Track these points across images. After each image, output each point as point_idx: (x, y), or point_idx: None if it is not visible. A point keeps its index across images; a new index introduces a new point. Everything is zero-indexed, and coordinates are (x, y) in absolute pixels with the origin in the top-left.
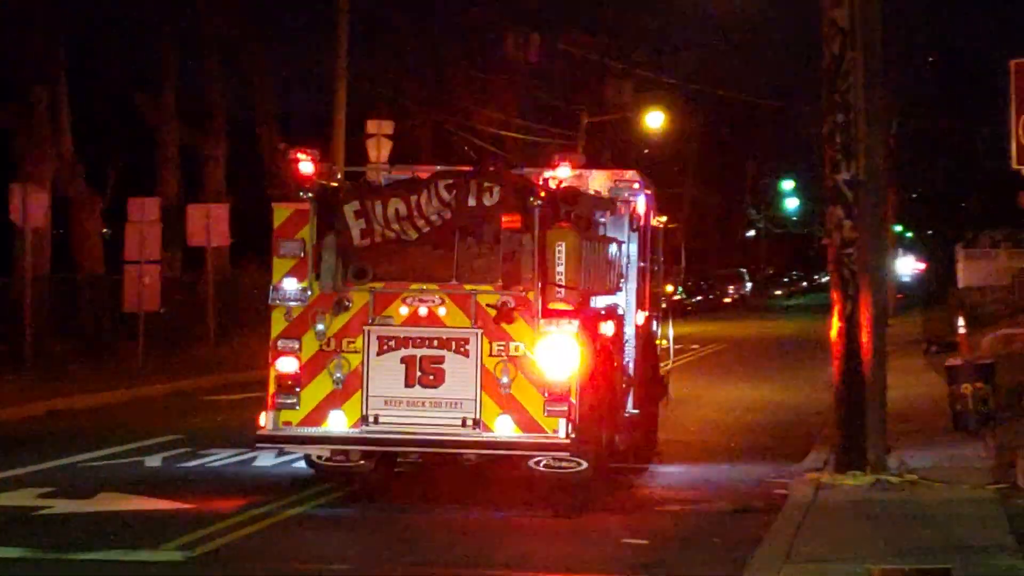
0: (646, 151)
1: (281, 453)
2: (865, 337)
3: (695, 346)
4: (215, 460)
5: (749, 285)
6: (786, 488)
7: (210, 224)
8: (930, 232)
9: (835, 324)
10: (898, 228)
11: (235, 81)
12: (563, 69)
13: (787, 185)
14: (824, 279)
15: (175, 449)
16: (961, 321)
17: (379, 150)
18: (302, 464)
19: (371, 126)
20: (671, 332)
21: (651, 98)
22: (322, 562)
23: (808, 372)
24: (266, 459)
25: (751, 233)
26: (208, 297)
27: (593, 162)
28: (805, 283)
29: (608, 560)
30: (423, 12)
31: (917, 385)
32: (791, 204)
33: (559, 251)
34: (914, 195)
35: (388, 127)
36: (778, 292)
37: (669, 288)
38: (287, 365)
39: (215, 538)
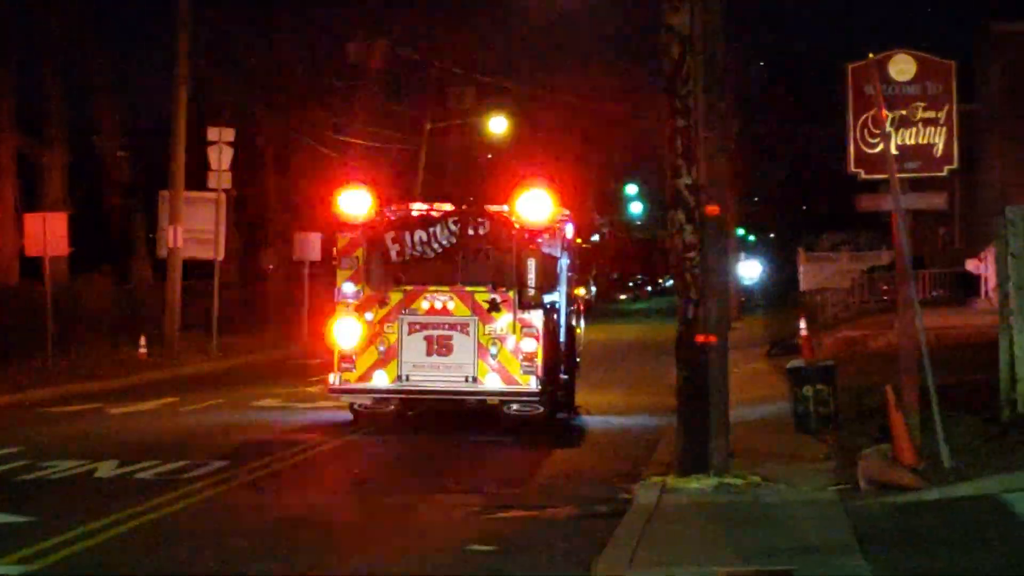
0: (489, 156)
1: (122, 465)
2: (708, 340)
3: None
4: (55, 472)
5: (594, 289)
6: (630, 492)
7: (47, 233)
8: (771, 235)
9: (678, 328)
10: (740, 232)
11: (75, 88)
12: (407, 75)
13: (631, 190)
14: (669, 283)
15: (13, 462)
16: (803, 323)
17: (220, 157)
18: (145, 475)
19: (212, 133)
20: (583, 322)
21: (496, 103)
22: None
23: (653, 376)
24: (107, 470)
25: (595, 238)
26: (46, 308)
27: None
28: (650, 287)
29: (456, 566)
30: (265, 17)
31: (760, 387)
32: (635, 208)
33: (530, 265)
34: (755, 199)
35: (229, 134)
36: (623, 296)
37: (581, 291)
38: (346, 343)
39: (57, 551)
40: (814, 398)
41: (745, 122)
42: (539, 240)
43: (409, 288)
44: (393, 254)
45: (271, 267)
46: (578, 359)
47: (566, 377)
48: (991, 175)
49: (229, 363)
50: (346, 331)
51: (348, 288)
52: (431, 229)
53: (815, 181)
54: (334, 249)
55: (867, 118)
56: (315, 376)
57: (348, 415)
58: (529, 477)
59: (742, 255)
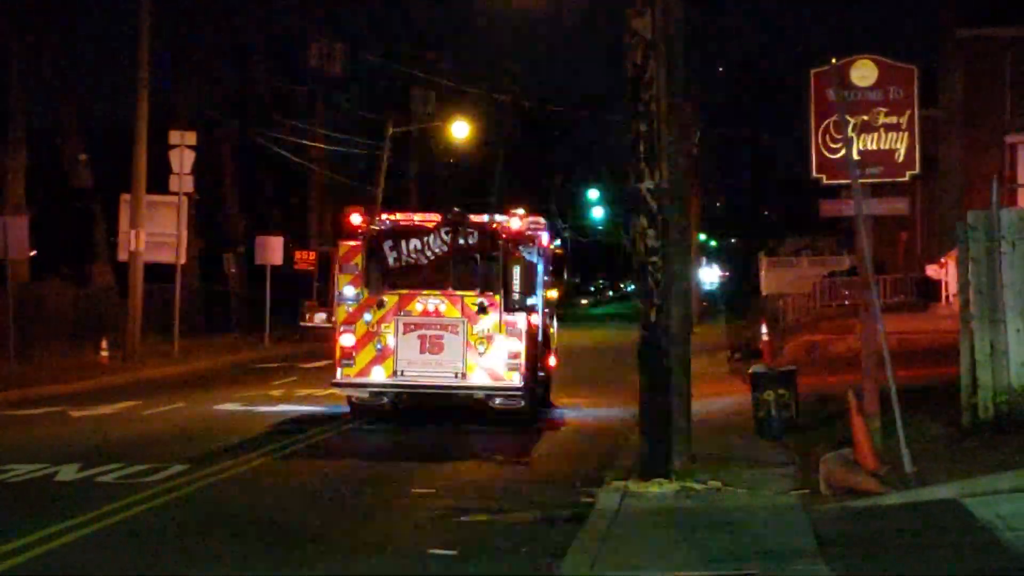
0: (451, 160)
1: (83, 468)
2: (669, 345)
3: None
4: (16, 476)
5: (554, 294)
6: (592, 496)
7: (8, 236)
8: (733, 240)
9: (640, 332)
10: (702, 237)
11: (36, 92)
12: (369, 80)
13: (593, 194)
14: (631, 287)
15: None
16: (764, 328)
17: (182, 160)
18: (106, 478)
19: (174, 136)
20: (556, 323)
21: (457, 108)
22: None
23: (616, 380)
24: (68, 473)
25: (557, 242)
26: (7, 311)
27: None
28: (612, 292)
29: (417, 570)
30: (227, 21)
31: (721, 392)
32: (597, 213)
33: (514, 271)
34: (717, 204)
35: (191, 138)
36: (585, 301)
37: (553, 294)
38: (347, 340)
39: (18, 554)
40: (775, 403)
41: (707, 127)
42: (520, 248)
43: (404, 292)
44: (390, 261)
45: (233, 271)
46: (553, 358)
47: (543, 374)
48: (952, 180)
49: (191, 366)
50: (346, 331)
51: (348, 292)
52: (425, 238)
53: (777, 186)
54: (336, 256)
55: (829, 123)
56: (276, 380)
57: (310, 418)
58: (496, 476)
59: (704, 260)
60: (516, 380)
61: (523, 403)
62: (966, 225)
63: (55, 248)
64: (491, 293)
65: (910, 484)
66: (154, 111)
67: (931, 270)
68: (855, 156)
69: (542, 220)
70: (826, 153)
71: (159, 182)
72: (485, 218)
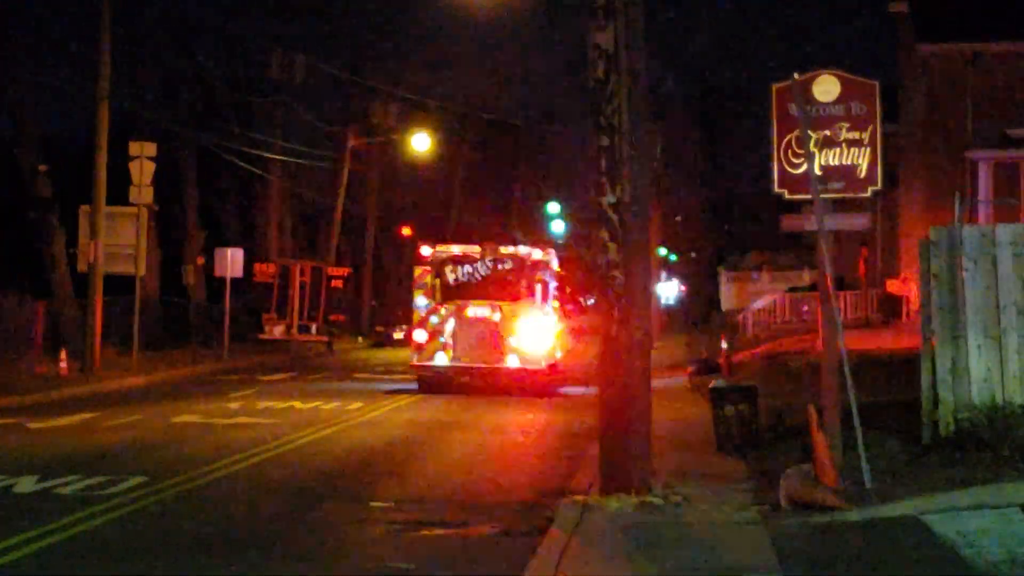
0: (412, 171)
1: (41, 480)
2: (630, 359)
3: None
4: None
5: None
6: (552, 511)
7: None
8: (693, 254)
9: (601, 347)
10: (663, 251)
11: None
12: (329, 91)
13: (553, 208)
14: (590, 302)
15: None
16: (724, 343)
17: (142, 171)
18: (64, 490)
19: (134, 148)
20: (560, 324)
21: (419, 121)
22: None
23: (576, 394)
24: (26, 485)
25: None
26: None
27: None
28: (571, 305)
29: None
30: (187, 32)
31: (682, 407)
32: (557, 227)
33: (536, 287)
34: (678, 217)
35: (151, 149)
36: None
37: (556, 304)
38: (420, 336)
39: None
40: (736, 418)
41: (668, 141)
42: (539, 271)
43: (459, 302)
44: (450, 280)
45: (192, 282)
46: (559, 350)
47: (555, 360)
48: (914, 196)
49: (150, 378)
50: (419, 329)
51: (421, 301)
52: (474, 264)
53: (737, 201)
54: (414, 276)
55: (791, 138)
56: (235, 392)
57: (273, 430)
58: (456, 489)
59: (664, 274)
60: (539, 363)
61: (543, 380)
62: (928, 241)
63: (13, 259)
64: (521, 302)
65: (870, 500)
66: (114, 122)
67: (892, 286)
68: (817, 171)
69: (552, 251)
70: (788, 168)
71: (119, 193)
72: (514, 249)
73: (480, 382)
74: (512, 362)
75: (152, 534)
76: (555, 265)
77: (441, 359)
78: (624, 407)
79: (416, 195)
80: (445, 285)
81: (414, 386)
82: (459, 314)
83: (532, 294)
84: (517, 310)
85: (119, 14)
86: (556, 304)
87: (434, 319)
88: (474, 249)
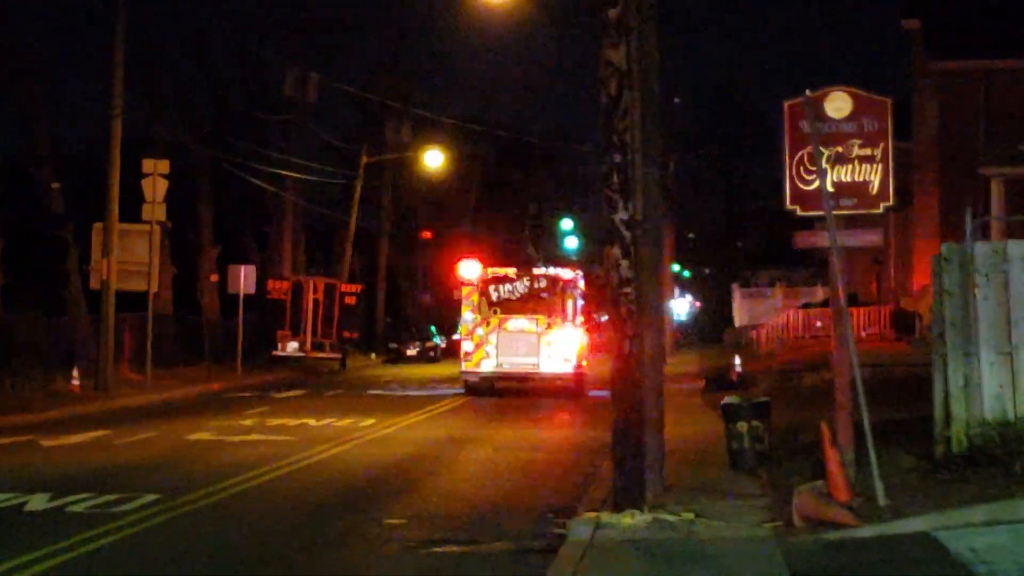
0: (425, 188)
1: (54, 498)
2: (643, 376)
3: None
4: None
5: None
6: (565, 527)
7: None
8: (707, 271)
9: (613, 363)
10: (675, 267)
11: (7, 118)
12: (344, 108)
13: (566, 224)
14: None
15: None
16: (737, 360)
17: (155, 189)
18: (77, 508)
19: (147, 165)
20: (586, 337)
21: (432, 138)
22: None
23: (589, 411)
24: (38, 503)
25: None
26: None
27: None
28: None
29: None
30: (201, 49)
31: (694, 423)
32: (571, 243)
33: (568, 303)
34: (691, 234)
35: (164, 166)
36: None
37: (582, 318)
38: (468, 346)
39: None
40: (748, 434)
41: (681, 158)
42: (570, 289)
43: (502, 316)
44: (493, 297)
45: (205, 300)
46: (585, 359)
47: (583, 367)
48: (926, 212)
49: (163, 396)
50: (467, 340)
51: (468, 316)
52: (513, 283)
53: (750, 217)
54: (460, 294)
55: (803, 155)
56: (249, 409)
57: (286, 447)
58: (468, 506)
59: (677, 291)
60: (569, 369)
61: (573, 385)
62: (940, 258)
63: (26, 276)
64: (554, 316)
65: (883, 517)
66: (128, 139)
67: (905, 302)
68: (829, 188)
69: (580, 272)
70: (800, 184)
71: (132, 210)
72: (547, 270)
73: (519, 385)
74: (547, 368)
75: (165, 552)
76: (582, 284)
77: (486, 366)
78: (637, 423)
79: (430, 211)
80: (489, 302)
81: (427, 400)
82: (501, 327)
83: (564, 309)
84: (551, 323)
85: (133, 32)
86: (583, 318)
87: (480, 331)
88: (512, 271)
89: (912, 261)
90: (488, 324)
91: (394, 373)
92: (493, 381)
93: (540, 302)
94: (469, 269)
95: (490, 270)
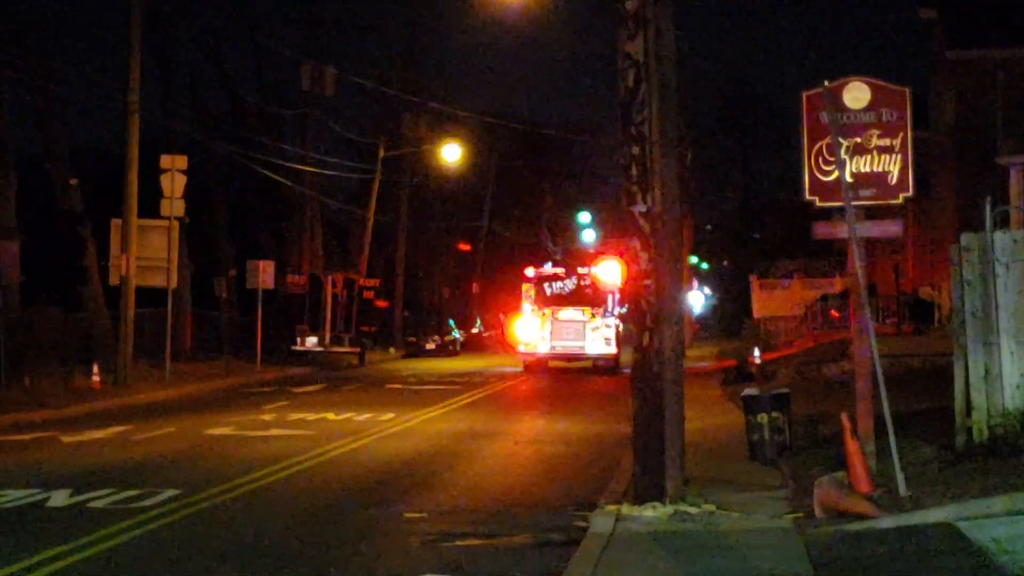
0: (443, 182)
1: (75, 493)
2: (662, 368)
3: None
4: (7, 501)
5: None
6: (586, 520)
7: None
8: (725, 263)
9: (633, 356)
10: (694, 259)
11: (25, 115)
12: (360, 102)
13: (584, 217)
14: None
15: None
16: (756, 351)
17: (173, 184)
18: (97, 504)
19: (165, 161)
20: (620, 325)
21: (450, 131)
22: None
23: (610, 404)
24: (60, 499)
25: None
26: None
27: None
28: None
29: None
30: (218, 44)
31: (714, 415)
32: (588, 236)
33: (608, 297)
34: (709, 226)
35: (182, 162)
36: None
37: (618, 310)
38: (526, 333)
39: None
40: (768, 426)
41: (698, 150)
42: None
43: (554, 307)
44: (547, 292)
45: (224, 295)
46: (620, 344)
47: (619, 350)
48: (945, 202)
49: (182, 391)
50: (525, 328)
51: (526, 308)
52: (564, 281)
53: (768, 208)
54: (523, 291)
55: (821, 146)
56: (268, 404)
57: (306, 442)
58: (489, 499)
59: (695, 282)
60: (610, 350)
61: (614, 364)
62: (959, 248)
63: (46, 273)
64: (597, 308)
65: (905, 507)
66: (145, 135)
67: (925, 292)
68: (848, 178)
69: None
70: (819, 175)
71: (150, 206)
72: (590, 270)
73: (567, 363)
74: (591, 350)
75: (185, 547)
76: (619, 281)
77: (542, 348)
78: (657, 415)
79: (447, 204)
80: (543, 296)
81: (446, 394)
82: (554, 316)
83: (604, 302)
84: (595, 313)
85: (150, 28)
86: (619, 309)
87: (536, 320)
88: (561, 271)
89: (930, 251)
90: (543, 315)
91: (413, 367)
92: (546, 360)
93: (585, 296)
94: (529, 270)
95: (544, 270)
